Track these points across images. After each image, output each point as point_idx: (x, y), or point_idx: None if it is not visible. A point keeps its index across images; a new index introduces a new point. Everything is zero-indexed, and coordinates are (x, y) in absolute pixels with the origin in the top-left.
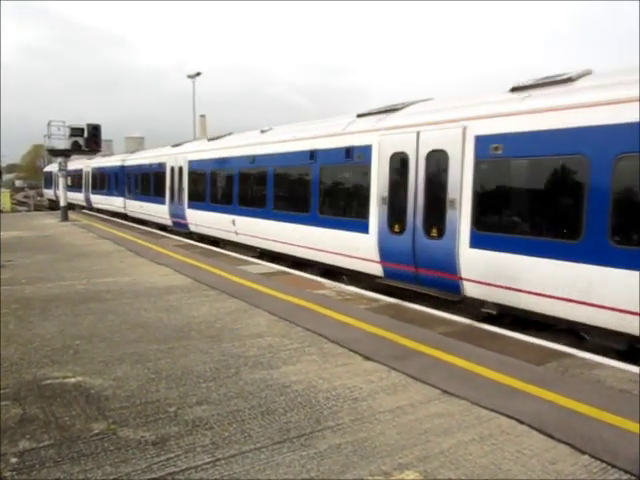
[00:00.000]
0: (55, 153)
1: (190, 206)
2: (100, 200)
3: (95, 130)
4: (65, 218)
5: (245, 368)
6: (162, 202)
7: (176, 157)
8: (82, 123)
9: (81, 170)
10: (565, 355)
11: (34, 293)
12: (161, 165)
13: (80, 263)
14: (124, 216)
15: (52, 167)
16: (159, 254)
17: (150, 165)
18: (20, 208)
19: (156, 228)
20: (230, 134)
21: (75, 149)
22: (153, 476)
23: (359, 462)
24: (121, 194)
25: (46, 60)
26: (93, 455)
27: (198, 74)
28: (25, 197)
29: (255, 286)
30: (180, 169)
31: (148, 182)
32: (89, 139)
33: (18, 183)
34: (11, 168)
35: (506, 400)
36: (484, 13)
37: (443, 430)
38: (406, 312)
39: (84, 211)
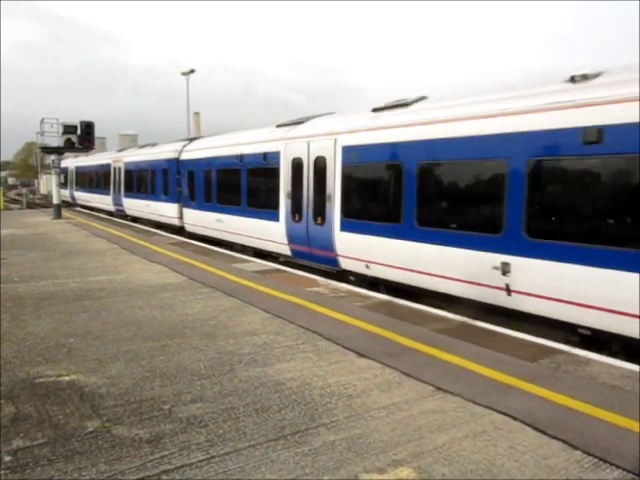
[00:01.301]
0: (48, 151)
1: (349, 227)
2: (138, 206)
3: (88, 127)
4: (58, 216)
5: (240, 366)
6: (270, 216)
7: (308, 143)
8: (75, 120)
9: (108, 165)
10: (558, 352)
11: (27, 291)
12: (268, 156)
13: (73, 261)
14: (178, 230)
15: (67, 162)
16: (153, 252)
17: (240, 157)
18: (13, 206)
19: (253, 255)
20: (423, 98)
21: (68, 146)
22: (147, 474)
23: (353, 458)
24: (173, 199)
25: (39, 58)
26: (87, 453)
27: (192, 71)
28: (18, 195)
29: (249, 284)
30: (320, 162)
31: (229, 184)
32: (82, 136)
33: (11, 181)
34: (4, 166)
35: (499, 397)
36: (483, 13)
37: (437, 426)
38: (400, 309)
39: (108, 217)
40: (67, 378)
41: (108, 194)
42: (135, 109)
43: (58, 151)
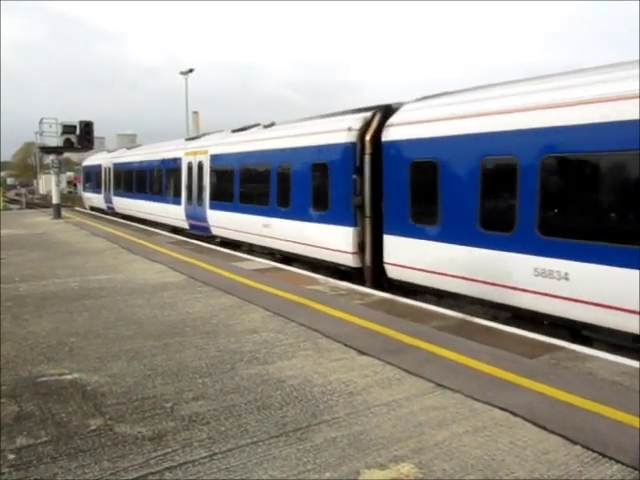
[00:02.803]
0: (47, 150)
1: None
2: (242, 225)
3: (87, 127)
4: (58, 216)
5: (241, 363)
6: None
7: None
8: (74, 120)
9: (177, 161)
10: (557, 348)
11: (28, 291)
12: None
13: (74, 260)
14: (344, 274)
15: (98, 158)
16: (153, 251)
17: None
18: (12, 206)
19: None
20: None
21: (67, 146)
22: (150, 470)
23: (355, 455)
24: (341, 219)
25: (37, 56)
26: (90, 451)
27: (191, 71)
28: (17, 195)
29: (249, 282)
30: None
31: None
32: (81, 136)
33: (10, 181)
34: (2, 166)
35: (499, 393)
36: (484, 9)
37: (437, 422)
38: (400, 307)
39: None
40: (69, 377)
41: (178, 203)
42: (134, 108)
43: (57, 151)
